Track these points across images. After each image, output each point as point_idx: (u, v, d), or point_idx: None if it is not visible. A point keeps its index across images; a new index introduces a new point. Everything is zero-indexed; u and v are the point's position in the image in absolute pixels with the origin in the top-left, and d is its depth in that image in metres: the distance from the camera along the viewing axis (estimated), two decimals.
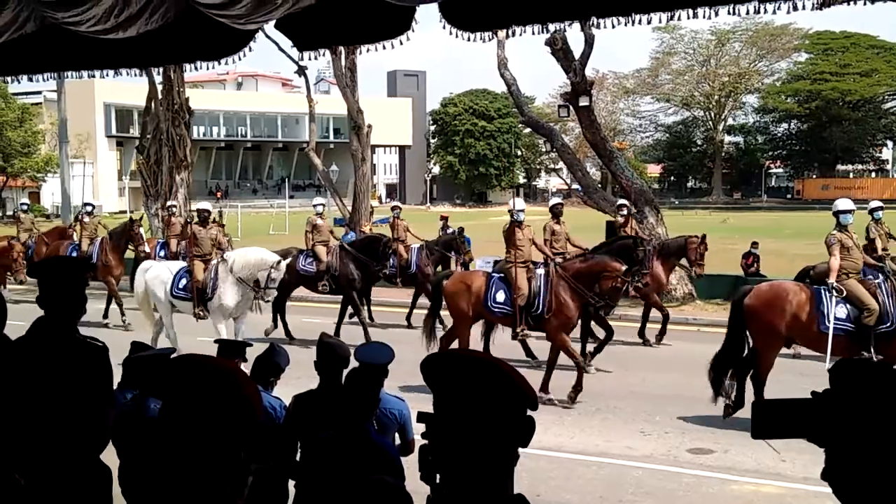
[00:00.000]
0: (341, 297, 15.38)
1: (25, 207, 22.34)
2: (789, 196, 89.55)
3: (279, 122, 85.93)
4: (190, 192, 27.77)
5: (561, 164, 59.18)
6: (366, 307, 16.40)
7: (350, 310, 15.27)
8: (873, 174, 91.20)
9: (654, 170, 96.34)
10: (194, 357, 2.01)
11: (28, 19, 3.20)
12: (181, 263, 13.94)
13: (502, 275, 11.63)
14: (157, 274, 13.33)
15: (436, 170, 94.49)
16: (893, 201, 74.59)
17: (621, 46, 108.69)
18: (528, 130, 75.68)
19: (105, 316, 17.10)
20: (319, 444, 3.50)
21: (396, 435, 4.83)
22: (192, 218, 14.07)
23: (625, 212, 16.64)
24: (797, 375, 10.99)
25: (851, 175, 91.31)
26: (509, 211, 12.20)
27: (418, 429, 1.81)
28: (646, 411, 10.28)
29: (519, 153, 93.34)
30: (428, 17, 3.09)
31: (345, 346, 4.84)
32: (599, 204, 20.35)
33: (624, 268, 10.81)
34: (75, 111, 44.58)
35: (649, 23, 2.89)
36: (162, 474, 1.94)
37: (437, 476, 1.76)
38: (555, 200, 14.51)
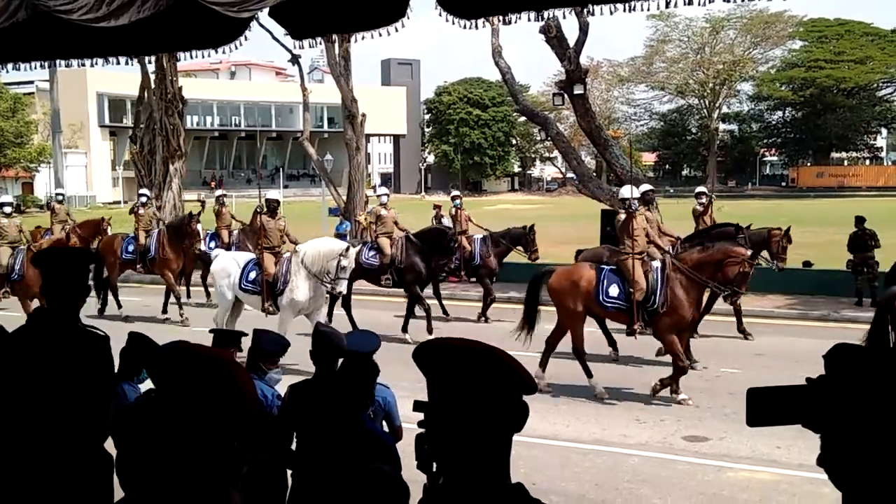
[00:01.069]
0: (399, 289, 14.81)
1: (61, 198, 21.63)
2: (784, 184, 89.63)
3: (273, 112, 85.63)
4: (183, 182, 27.73)
5: (556, 153, 59.22)
6: (436, 301, 15.96)
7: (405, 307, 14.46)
8: (867, 161, 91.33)
9: (648, 158, 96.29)
10: (186, 345, 2.00)
11: (20, 7, 3.17)
12: (248, 255, 13.36)
13: (613, 267, 10.97)
14: (224, 266, 12.78)
15: (430, 159, 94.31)
16: (888, 188, 75.07)
17: (616, 34, 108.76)
18: (522, 119, 75.76)
19: (164, 311, 16.51)
20: (315, 433, 3.50)
21: (384, 422, 4.85)
22: (262, 208, 13.32)
23: (703, 200, 15.57)
24: (791, 362, 11.02)
25: (846, 163, 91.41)
26: (622, 199, 11.57)
27: (412, 417, 1.80)
28: (641, 399, 10.31)
29: (514, 142, 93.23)
30: (422, 3, 3.08)
31: (340, 336, 4.84)
32: (594, 192, 20.34)
33: (749, 252, 10.50)
34: (68, 101, 44.38)
35: (644, 10, 2.88)
36: (156, 463, 1.93)
37: (434, 464, 1.76)
38: (645, 187, 13.65)
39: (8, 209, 15.81)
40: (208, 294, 18.12)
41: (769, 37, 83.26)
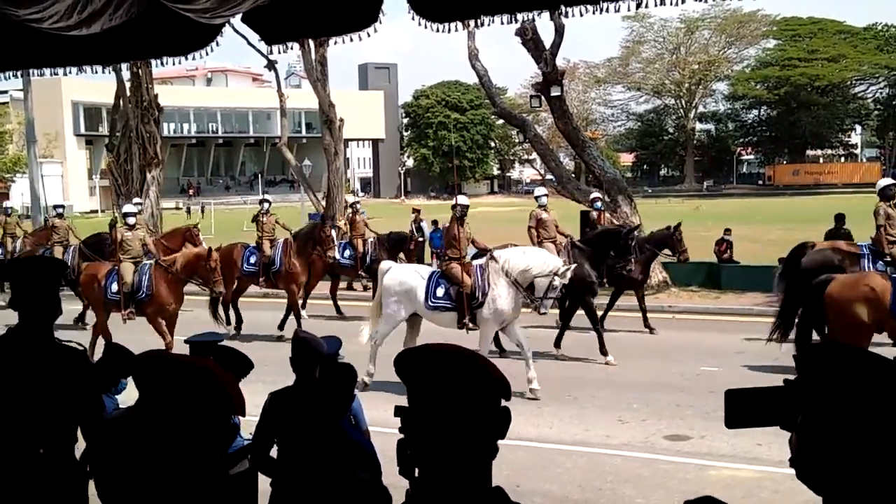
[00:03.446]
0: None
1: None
2: (761, 182, 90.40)
3: (250, 118, 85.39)
4: (161, 190, 27.57)
5: (534, 155, 59.33)
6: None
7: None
8: (843, 159, 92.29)
9: (626, 159, 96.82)
10: (167, 354, 1.99)
11: None
12: (426, 268, 12.11)
13: None
14: (401, 279, 11.19)
15: (410, 163, 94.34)
16: (863, 185, 75.79)
17: (591, 36, 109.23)
18: (501, 122, 75.89)
19: (280, 328, 15.03)
20: (295, 441, 3.49)
21: None
22: (458, 213, 11.80)
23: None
24: (771, 360, 11.08)
25: (821, 160, 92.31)
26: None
27: (394, 422, 1.79)
28: (623, 399, 10.34)
29: (493, 144, 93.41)
30: (397, 7, 3.07)
31: (320, 341, 4.82)
32: (573, 194, 20.41)
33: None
34: (43, 110, 44.00)
35: (617, 11, 2.89)
36: (141, 476, 1.91)
37: (416, 470, 1.75)
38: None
39: (132, 220, 14.02)
40: (339, 310, 17.27)
41: (743, 36, 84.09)
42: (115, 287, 12.81)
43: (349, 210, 19.45)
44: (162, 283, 12.57)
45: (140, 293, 12.68)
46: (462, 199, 12.00)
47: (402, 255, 18.12)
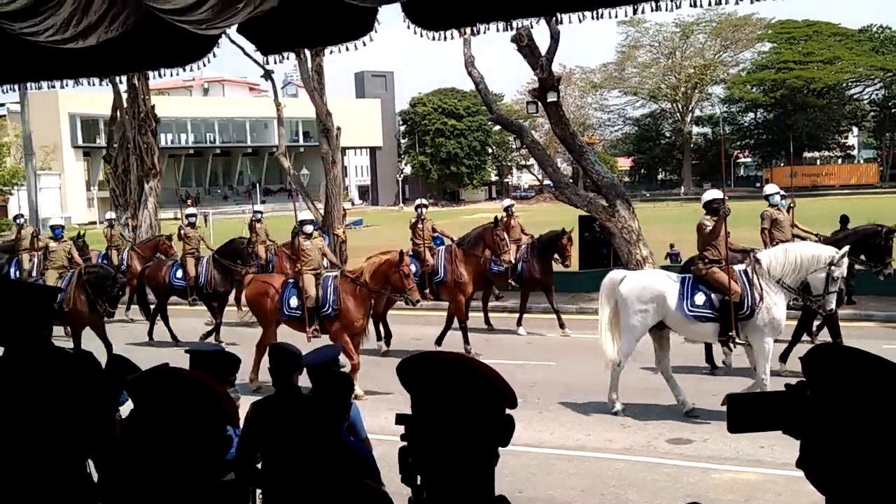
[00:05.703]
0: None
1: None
2: (758, 185, 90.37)
3: (248, 127, 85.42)
4: (159, 201, 27.57)
5: (532, 161, 59.37)
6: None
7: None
8: (840, 160, 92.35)
9: (624, 163, 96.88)
10: (167, 367, 1.99)
11: None
12: (669, 273, 10.82)
13: None
14: (646, 284, 10.01)
15: (407, 170, 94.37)
16: (860, 186, 75.92)
17: (587, 41, 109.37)
18: (498, 128, 75.93)
19: (438, 342, 13.82)
20: (287, 451, 3.48)
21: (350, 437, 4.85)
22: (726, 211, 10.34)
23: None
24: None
25: (818, 162, 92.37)
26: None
27: (396, 430, 1.79)
28: (625, 403, 10.32)
29: (490, 151, 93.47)
30: (392, 16, 3.08)
31: (297, 350, 4.87)
32: (571, 199, 20.39)
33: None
34: (40, 122, 44.05)
35: (612, 16, 2.89)
36: (141, 486, 1.91)
37: (418, 477, 1.75)
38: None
39: (309, 228, 12.71)
40: (488, 322, 16.02)
41: (739, 39, 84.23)
42: (294, 302, 11.73)
43: (503, 214, 16.90)
44: (349, 297, 11.43)
45: (326, 308, 11.51)
46: (714, 194, 10.63)
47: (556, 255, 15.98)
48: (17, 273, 18.08)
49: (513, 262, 14.57)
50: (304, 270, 11.83)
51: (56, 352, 3.57)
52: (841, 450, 1.41)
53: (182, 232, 16.67)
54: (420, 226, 15.13)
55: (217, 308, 15.67)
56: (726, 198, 10.38)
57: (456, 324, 14.02)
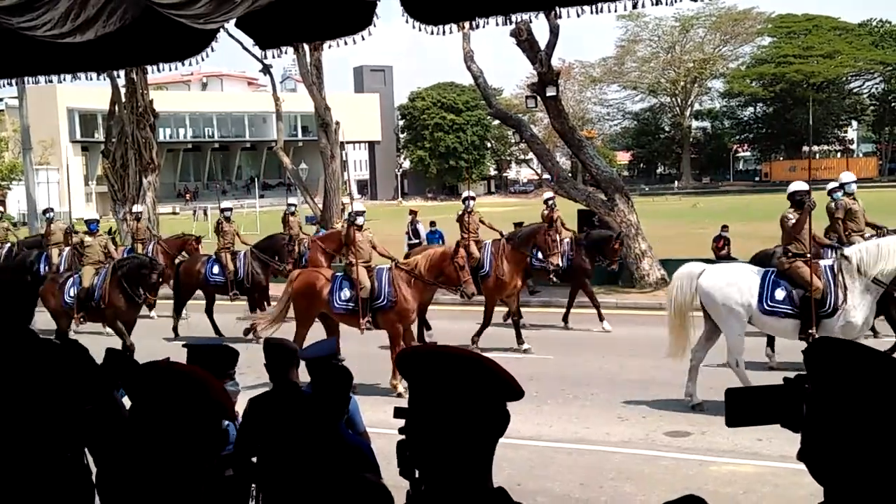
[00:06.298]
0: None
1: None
2: (757, 179, 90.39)
3: (246, 122, 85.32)
4: (157, 196, 27.55)
5: (531, 155, 59.30)
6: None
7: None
8: (839, 154, 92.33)
9: (623, 157, 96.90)
10: (164, 362, 2.00)
11: None
12: (751, 266, 10.41)
13: None
14: (730, 280, 9.63)
15: (406, 164, 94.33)
16: (859, 180, 75.66)
17: (586, 35, 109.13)
18: (497, 122, 75.87)
19: (473, 342, 13.27)
20: (286, 445, 3.48)
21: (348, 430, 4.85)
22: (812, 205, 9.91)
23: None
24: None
25: (818, 156, 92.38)
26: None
27: (394, 423, 1.80)
28: (623, 396, 10.33)
29: (489, 145, 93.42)
30: (391, 10, 3.08)
31: (293, 344, 4.87)
32: (570, 193, 20.41)
33: None
34: (38, 117, 43.98)
35: (612, 11, 2.90)
36: (138, 482, 1.92)
37: (416, 471, 1.75)
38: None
39: (361, 220, 12.15)
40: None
41: (738, 34, 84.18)
42: (346, 294, 11.44)
43: (544, 207, 16.83)
44: (405, 289, 11.23)
45: (380, 300, 11.31)
46: (798, 185, 10.15)
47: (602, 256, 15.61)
48: (47, 268, 17.96)
49: (560, 265, 14.11)
50: (356, 262, 11.53)
51: (42, 343, 3.58)
52: (842, 443, 1.42)
53: (220, 226, 16.35)
54: (467, 218, 14.77)
55: (259, 300, 15.43)
56: (810, 189, 9.92)
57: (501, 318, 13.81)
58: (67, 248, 17.39)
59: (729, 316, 9.54)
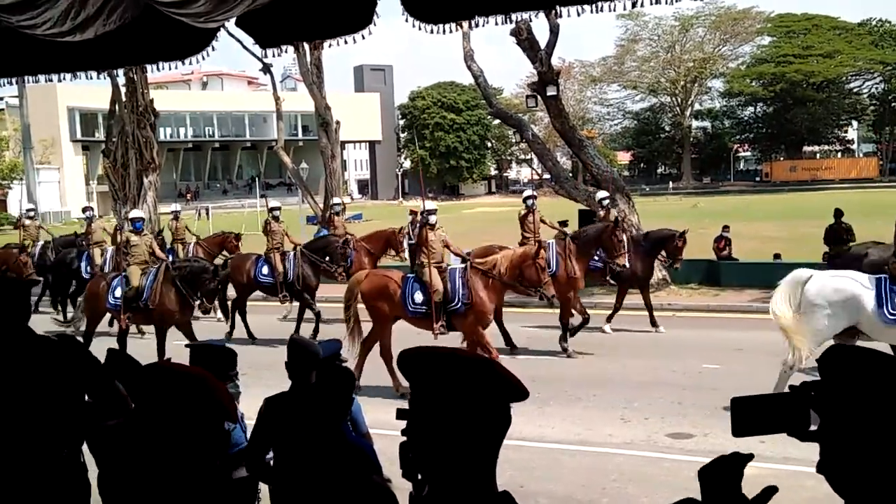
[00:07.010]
0: None
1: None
2: (758, 179, 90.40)
3: (247, 121, 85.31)
4: (158, 195, 27.51)
5: (531, 155, 59.35)
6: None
7: None
8: (839, 154, 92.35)
9: (623, 157, 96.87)
10: (165, 363, 1.99)
11: None
12: (862, 274, 9.56)
13: None
14: (836, 286, 9.13)
15: (407, 164, 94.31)
16: (860, 180, 75.87)
17: (586, 35, 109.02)
18: (497, 122, 75.93)
19: (563, 341, 13.01)
20: (295, 446, 3.47)
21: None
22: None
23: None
24: (771, 356, 11.07)
25: (818, 156, 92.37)
26: None
27: (396, 425, 1.78)
28: (625, 398, 10.32)
29: (489, 145, 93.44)
30: (391, 9, 3.07)
31: (316, 345, 4.82)
32: (571, 193, 20.40)
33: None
34: (39, 116, 44.02)
35: (612, 10, 2.88)
36: (141, 483, 1.91)
37: (419, 473, 1.74)
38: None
39: (433, 218, 11.62)
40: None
41: (738, 33, 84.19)
42: (419, 297, 11.04)
43: (599, 208, 16.50)
44: (481, 290, 10.86)
45: (455, 302, 10.93)
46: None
47: (662, 254, 15.24)
48: (89, 268, 17.59)
49: (627, 266, 13.66)
50: (429, 264, 11.03)
51: (38, 340, 3.58)
52: (860, 453, 1.40)
53: (269, 226, 15.77)
54: (530, 218, 14.44)
55: (310, 300, 14.92)
56: None
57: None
58: (111, 248, 17.04)
59: (827, 323, 9.02)
